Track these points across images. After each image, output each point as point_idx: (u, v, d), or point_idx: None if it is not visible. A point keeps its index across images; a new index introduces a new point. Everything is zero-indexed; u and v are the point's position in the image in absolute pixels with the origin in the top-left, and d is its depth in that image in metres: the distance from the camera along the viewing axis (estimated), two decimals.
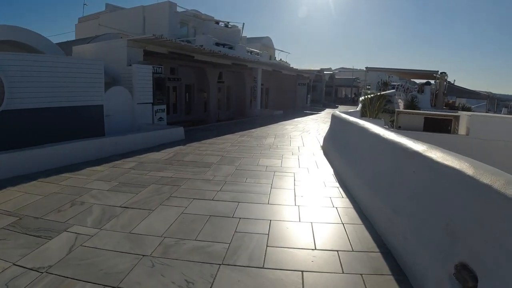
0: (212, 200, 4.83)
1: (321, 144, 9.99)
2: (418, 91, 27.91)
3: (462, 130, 10.96)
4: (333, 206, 4.62)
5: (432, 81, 35.17)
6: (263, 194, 5.13)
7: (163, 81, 12.25)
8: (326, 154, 8.48)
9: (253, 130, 13.20)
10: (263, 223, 4.01)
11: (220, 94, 27.17)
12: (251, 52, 27.40)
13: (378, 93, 17.37)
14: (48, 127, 8.12)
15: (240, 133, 12.25)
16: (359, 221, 4.11)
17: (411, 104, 23.37)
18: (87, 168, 6.66)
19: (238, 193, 5.13)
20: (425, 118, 11.34)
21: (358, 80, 45.84)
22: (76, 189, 5.31)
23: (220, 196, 5.00)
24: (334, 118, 8.76)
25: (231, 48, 24.00)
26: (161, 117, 12.12)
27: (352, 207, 4.60)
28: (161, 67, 12.25)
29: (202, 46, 15.05)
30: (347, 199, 4.93)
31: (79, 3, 41.22)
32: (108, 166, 6.87)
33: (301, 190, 5.36)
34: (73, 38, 28.69)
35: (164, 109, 12.29)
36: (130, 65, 11.16)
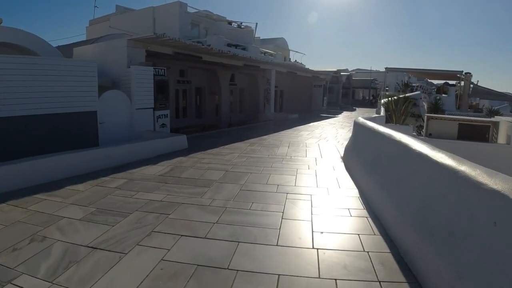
0: (205, 238, 3.75)
1: (342, 155, 8.83)
2: (437, 92, 26.47)
3: (501, 138, 9.63)
4: (364, 250, 3.48)
5: (451, 82, 33.42)
6: (272, 228, 4.02)
7: (166, 84, 11.27)
8: (348, 168, 7.32)
9: (265, 137, 12.09)
10: (268, 281, 2.90)
11: (232, 97, 26.21)
12: (264, 53, 26.37)
13: (402, 95, 16.06)
14: (32, 138, 7.19)
15: (250, 140, 11.17)
16: (401, 277, 2.96)
17: (435, 107, 21.91)
18: (67, 187, 5.67)
19: (239, 227, 4.04)
20: (459, 124, 10.05)
21: (376, 81, 44.24)
22: (44, 217, 4.33)
23: (215, 231, 3.91)
24: (358, 126, 7.59)
25: (244, 49, 23.01)
26: (163, 124, 11.13)
27: (389, 251, 3.45)
28: (164, 69, 11.26)
29: (210, 46, 14.05)
30: (381, 238, 3.77)
31: (90, 6, 40.90)
32: (91, 184, 5.86)
33: (321, 223, 4.22)
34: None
35: (167, 114, 11.30)
36: (129, 67, 10.20)
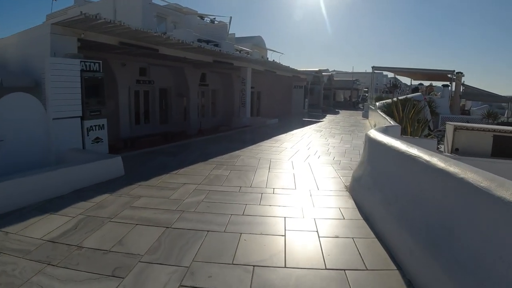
0: None
1: (346, 185, 6.16)
2: (413, 92, 24.58)
3: None
4: None
5: (435, 84, 31.63)
6: None
7: (101, 83, 8.29)
8: (368, 216, 4.59)
9: (237, 152, 9.28)
10: None
11: (204, 99, 23.38)
12: (240, 51, 23.72)
13: (399, 97, 13.67)
14: None
15: (218, 159, 8.34)
16: None
17: (430, 110, 19.70)
18: None
19: None
20: (494, 136, 7.57)
21: (358, 82, 42.21)
22: None
23: None
24: (376, 145, 4.91)
25: (216, 45, 20.25)
26: (98, 138, 8.16)
27: None
28: (99, 63, 8.29)
29: (164, 33, 11.15)
30: None
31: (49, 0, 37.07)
32: None
33: None
34: None
35: (103, 125, 8.33)
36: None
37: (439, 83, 31.93)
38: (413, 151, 3.70)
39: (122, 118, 15.56)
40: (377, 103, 14.85)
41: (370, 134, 5.44)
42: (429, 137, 8.53)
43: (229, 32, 33.96)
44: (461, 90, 24.16)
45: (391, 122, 8.09)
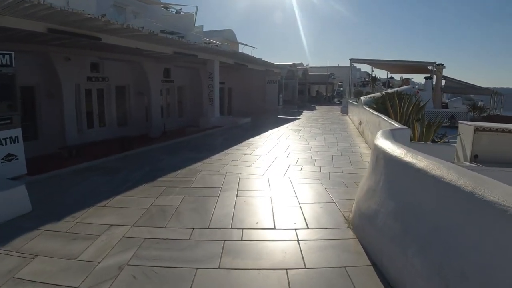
0: None
1: (346, 216, 4.32)
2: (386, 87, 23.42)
3: None
4: None
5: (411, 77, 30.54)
6: None
7: (12, 81, 6.11)
8: (394, 284, 2.75)
9: (198, 165, 7.28)
10: None
11: (169, 97, 21.21)
12: (208, 44, 21.70)
13: (388, 91, 12.04)
14: None
15: (170, 177, 6.33)
16: None
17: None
18: None
19: None
20: None
21: (333, 76, 40.82)
22: None
23: None
24: (404, 169, 3.06)
25: (182, 37, 18.15)
26: (10, 155, 5.99)
27: None
28: (10, 54, 6.11)
29: (104, 16, 9.03)
30: None
31: None
32: None
33: None
34: None
35: (16, 137, 6.13)
36: None
37: (419, 76, 30.93)
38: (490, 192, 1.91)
39: (68, 121, 13.13)
40: (362, 98, 13.15)
41: (385, 148, 3.59)
42: (440, 141, 6.85)
43: (197, 24, 31.81)
44: (442, 83, 23.00)
45: (394, 123, 6.32)
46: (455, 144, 6.09)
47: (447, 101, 29.22)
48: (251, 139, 10.89)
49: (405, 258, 2.71)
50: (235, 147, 9.42)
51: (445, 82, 23.18)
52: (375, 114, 8.36)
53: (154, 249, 3.54)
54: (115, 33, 9.84)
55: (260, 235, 3.87)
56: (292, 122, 16.75)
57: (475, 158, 6.23)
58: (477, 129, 6.25)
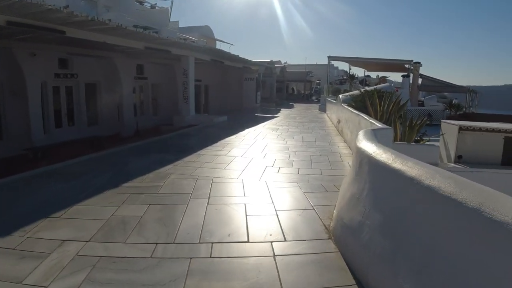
0: None
1: (327, 224, 3.95)
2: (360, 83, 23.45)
3: None
4: None
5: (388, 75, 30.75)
6: None
7: None
8: None
9: (168, 168, 6.78)
10: None
11: (143, 94, 20.49)
12: (185, 40, 21.09)
13: (366, 89, 11.81)
14: None
15: (136, 183, 5.82)
16: None
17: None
18: None
19: None
20: (505, 139, 5.72)
21: (311, 74, 40.74)
22: None
23: None
24: (392, 176, 2.70)
25: (156, 33, 17.50)
26: None
27: None
28: None
29: (66, 7, 8.36)
30: None
31: None
32: None
33: None
34: None
35: None
36: None
37: (396, 75, 31.14)
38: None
39: (34, 121, 12.29)
40: (340, 96, 12.89)
41: (369, 152, 3.23)
42: (422, 142, 6.58)
43: (173, 20, 31.00)
44: (419, 81, 23.13)
45: (375, 122, 6.00)
46: (438, 144, 5.82)
47: (423, 99, 29.55)
48: (227, 139, 10.44)
49: (394, 281, 2.35)
50: (209, 147, 8.96)
51: (422, 81, 23.32)
52: (355, 113, 8.07)
53: (110, 270, 3.06)
54: (80, 26, 9.20)
55: (232, 250, 3.45)
56: (269, 121, 16.39)
57: (459, 159, 6.01)
58: (461, 128, 6.04)
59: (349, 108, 9.49)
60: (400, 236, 2.48)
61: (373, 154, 3.16)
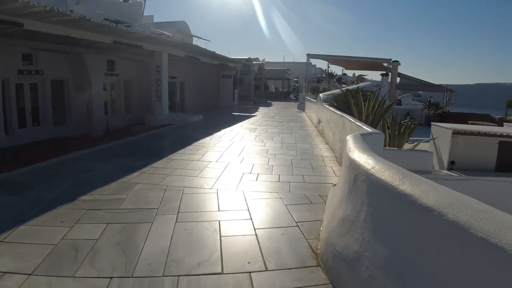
0: None
1: (314, 247, 3.40)
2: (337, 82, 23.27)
3: None
4: None
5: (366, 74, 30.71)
6: None
7: None
8: None
9: (133, 176, 6.10)
10: None
11: (115, 92, 19.49)
12: (159, 35, 20.22)
13: (347, 87, 11.38)
14: None
15: (95, 195, 5.12)
16: None
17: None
18: None
19: None
20: (500, 143, 5.34)
21: (289, 72, 40.33)
22: None
23: None
24: (389, 195, 2.18)
25: (128, 27, 16.61)
26: None
27: None
28: None
29: None
30: None
31: None
32: None
33: None
34: None
35: None
36: None
37: (373, 73, 31.10)
38: None
39: None
40: (321, 95, 12.42)
41: (367, 168, 2.68)
42: (412, 146, 6.12)
43: (148, 14, 30.06)
44: (398, 80, 23.05)
45: (363, 125, 5.48)
46: (431, 151, 5.38)
47: (400, 97, 29.62)
48: (201, 140, 9.78)
49: None
50: (182, 150, 8.29)
51: (400, 79, 23.24)
52: (338, 114, 7.57)
53: None
54: (39, 17, 8.33)
55: (203, 285, 2.85)
56: (247, 120, 15.79)
57: (451, 165, 5.60)
58: (454, 132, 5.62)
59: (331, 108, 9.01)
60: (414, 283, 1.94)
61: (372, 170, 2.62)
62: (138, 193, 5.06)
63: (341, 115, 7.25)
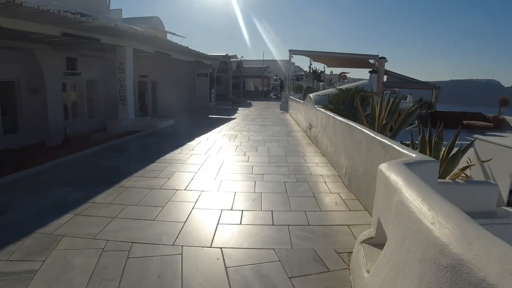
0: None
1: None
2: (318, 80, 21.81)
3: None
4: None
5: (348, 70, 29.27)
6: None
7: None
8: None
9: (60, 222, 4.26)
10: None
11: (76, 94, 17.42)
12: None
13: (343, 86, 9.77)
14: None
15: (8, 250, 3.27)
16: None
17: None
18: None
19: None
20: None
21: (268, 70, 38.67)
22: None
23: None
24: None
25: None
26: None
27: None
28: None
29: None
30: None
31: None
32: None
33: None
34: None
35: None
36: None
37: (358, 71, 29.81)
38: None
39: None
40: (311, 96, 10.74)
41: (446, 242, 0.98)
42: (463, 177, 4.42)
43: (116, 8, 27.97)
44: (384, 79, 21.73)
45: (399, 148, 3.67)
46: (495, 183, 3.74)
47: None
48: (169, 155, 7.91)
49: None
50: (141, 171, 6.40)
51: (387, 77, 21.93)
52: (344, 122, 5.82)
53: None
54: None
55: None
56: (226, 124, 13.98)
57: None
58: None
59: (330, 114, 7.31)
60: None
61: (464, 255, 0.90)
62: (58, 261, 3.18)
63: (348, 123, 5.54)
